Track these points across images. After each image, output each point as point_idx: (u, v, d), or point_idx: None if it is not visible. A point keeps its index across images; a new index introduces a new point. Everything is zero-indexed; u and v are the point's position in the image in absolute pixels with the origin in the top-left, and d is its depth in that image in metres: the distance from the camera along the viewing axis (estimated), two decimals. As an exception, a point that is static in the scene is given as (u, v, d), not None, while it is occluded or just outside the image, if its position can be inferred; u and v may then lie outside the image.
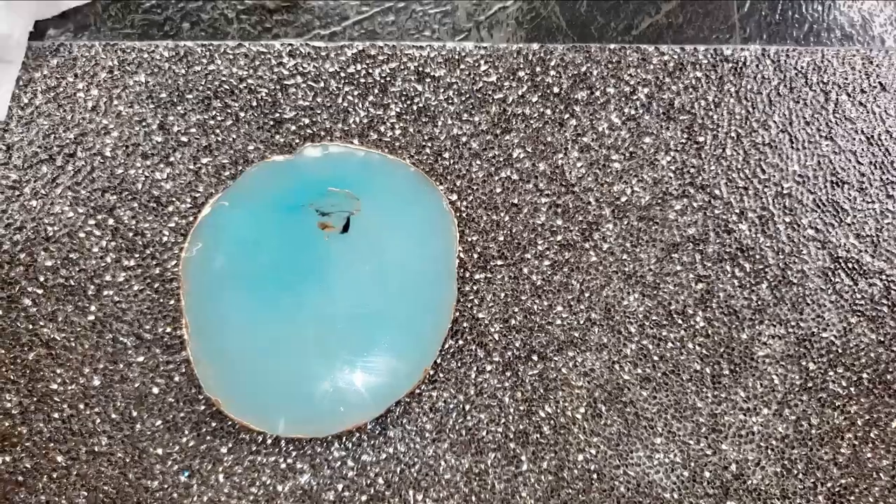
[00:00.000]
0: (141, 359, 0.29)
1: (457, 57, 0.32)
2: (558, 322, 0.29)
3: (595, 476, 0.28)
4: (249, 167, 0.30)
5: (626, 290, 0.30)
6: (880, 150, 0.31)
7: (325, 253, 0.28)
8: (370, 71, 0.32)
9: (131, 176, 0.30)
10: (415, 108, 0.31)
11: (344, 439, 0.28)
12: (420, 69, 0.32)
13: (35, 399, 0.28)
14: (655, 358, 0.29)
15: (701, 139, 0.31)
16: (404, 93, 0.31)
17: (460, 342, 0.29)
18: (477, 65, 0.32)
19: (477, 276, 0.30)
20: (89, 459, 0.28)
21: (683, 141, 0.31)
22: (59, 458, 0.28)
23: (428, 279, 0.28)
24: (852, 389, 0.29)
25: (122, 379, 0.28)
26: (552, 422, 0.28)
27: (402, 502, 0.27)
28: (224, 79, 0.31)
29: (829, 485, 0.28)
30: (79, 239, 0.30)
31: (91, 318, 0.29)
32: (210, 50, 0.32)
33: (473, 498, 0.27)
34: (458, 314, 0.29)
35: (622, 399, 0.29)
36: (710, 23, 0.34)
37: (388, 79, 0.32)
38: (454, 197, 0.30)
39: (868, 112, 0.32)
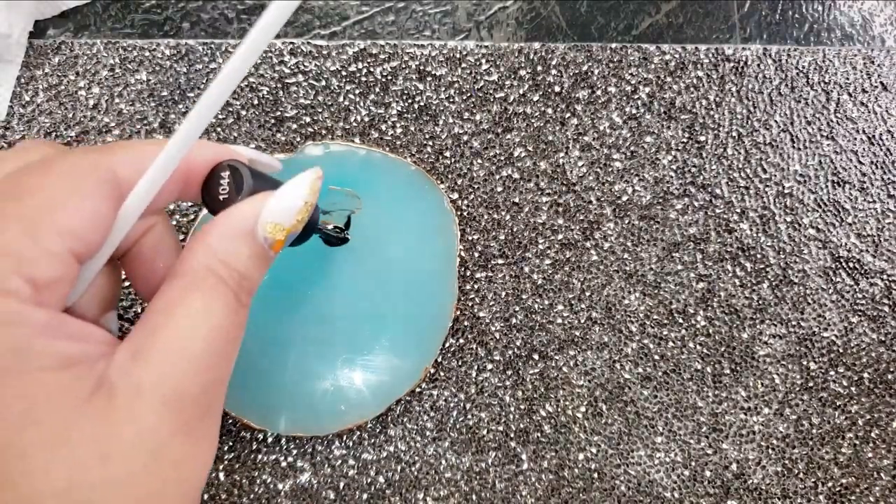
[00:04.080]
0: (141, 357, 0.28)
1: (458, 56, 0.32)
2: (559, 321, 0.29)
3: (595, 475, 0.28)
4: (250, 165, 0.30)
5: (627, 289, 0.30)
6: (881, 149, 0.31)
7: (326, 251, 0.28)
8: (371, 69, 0.32)
9: (132, 174, 0.30)
10: (416, 106, 0.31)
11: (345, 438, 0.28)
12: (421, 68, 0.32)
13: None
14: (656, 357, 0.29)
15: (702, 138, 0.31)
16: (405, 91, 0.31)
17: (461, 341, 0.29)
18: (478, 63, 0.32)
19: (478, 275, 0.30)
20: (89, 458, 0.28)
21: (685, 140, 0.31)
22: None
23: (429, 278, 0.28)
24: (853, 389, 0.29)
25: (123, 377, 0.28)
26: (553, 421, 0.28)
27: (402, 501, 0.27)
28: (225, 77, 0.31)
29: (829, 484, 0.28)
30: (79, 237, 0.30)
31: (91, 316, 0.29)
32: (212, 48, 0.32)
33: (474, 496, 0.27)
34: (458, 313, 0.29)
35: (623, 398, 0.28)
36: (710, 23, 0.34)
37: (389, 77, 0.32)
38: (455, 195, 0.30)
39: (869, 112, 0.32)
